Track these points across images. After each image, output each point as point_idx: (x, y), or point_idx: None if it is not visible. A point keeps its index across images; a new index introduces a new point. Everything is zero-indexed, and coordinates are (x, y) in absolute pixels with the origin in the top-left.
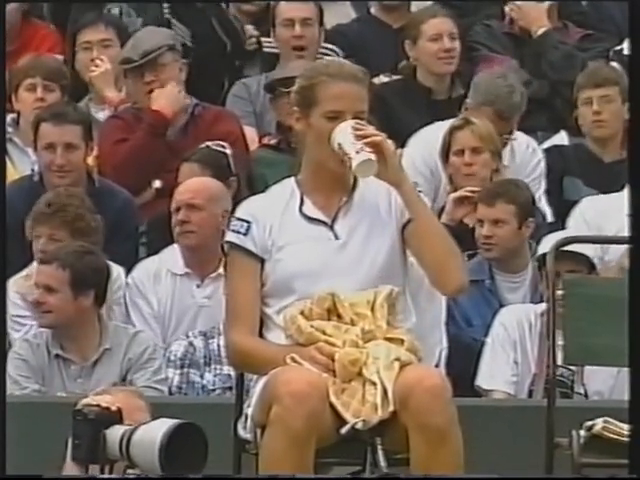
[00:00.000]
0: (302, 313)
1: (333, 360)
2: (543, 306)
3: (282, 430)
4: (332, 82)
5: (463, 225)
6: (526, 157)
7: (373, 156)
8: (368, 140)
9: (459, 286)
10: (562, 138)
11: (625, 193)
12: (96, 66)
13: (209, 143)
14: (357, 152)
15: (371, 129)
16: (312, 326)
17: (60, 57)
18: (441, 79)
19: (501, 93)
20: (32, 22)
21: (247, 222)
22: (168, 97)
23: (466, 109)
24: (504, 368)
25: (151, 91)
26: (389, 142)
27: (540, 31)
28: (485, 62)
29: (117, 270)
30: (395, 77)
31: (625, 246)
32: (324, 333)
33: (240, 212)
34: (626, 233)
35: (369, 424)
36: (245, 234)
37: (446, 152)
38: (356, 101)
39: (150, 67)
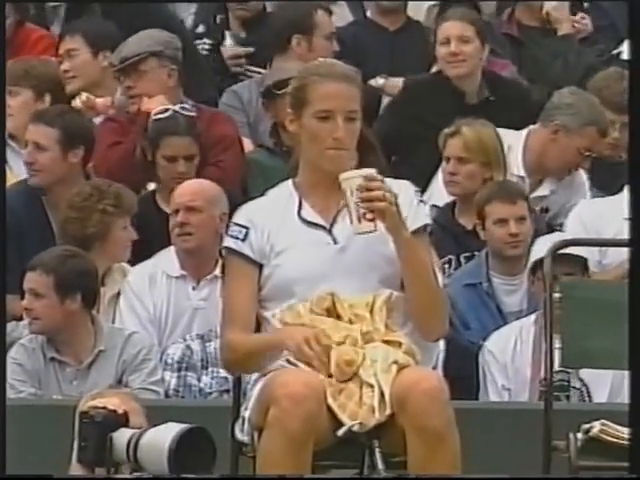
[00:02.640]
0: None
1: (328, 356)
2: (533, 316)
3: (279, 432)
4: (322, 82)
5: (460, 227)
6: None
7: (373, 226)
8: (372, 207)
9: (438, 337)
10: None
11: (622, 196)
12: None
13: None
14: (358, 219)
15: (378, 187)
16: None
17: (55, 59)
18: (470, 81)
19: (601, 111)
20: (25, 27)
21: (245, 228)
22: (158, 100)
23: (556, 131)
24: (493, 398)
25: (132, 97)
26: (392, 197)
27: (566, 30)
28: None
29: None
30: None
31: (625, 251)
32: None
33: (238, 217)
34: (624, 236)
35: (366, 427)
36: (243, 240)
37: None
38: (346, 100)
39: (129, 73)
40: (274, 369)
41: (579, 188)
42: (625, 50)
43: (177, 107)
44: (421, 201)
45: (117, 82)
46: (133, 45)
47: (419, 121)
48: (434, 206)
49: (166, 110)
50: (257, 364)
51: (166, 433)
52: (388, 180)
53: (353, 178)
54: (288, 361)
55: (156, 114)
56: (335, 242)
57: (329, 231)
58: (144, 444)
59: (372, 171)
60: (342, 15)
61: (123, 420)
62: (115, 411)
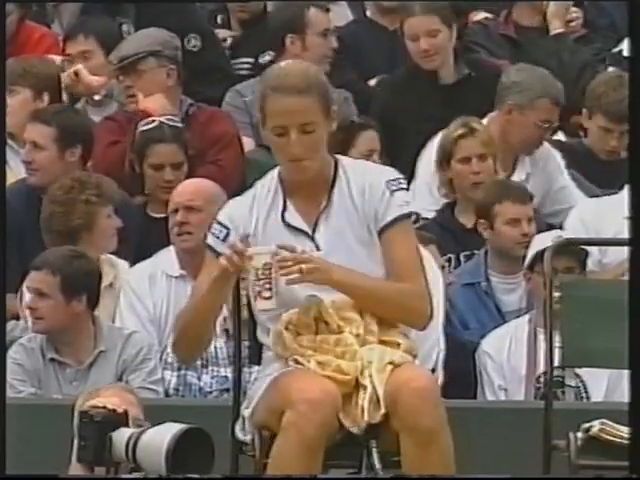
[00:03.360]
0: (287, 327)
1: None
2: (527, 315)
3: (295, 437)
4: (274, 96)
5: (460, 225)
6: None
7: (270, 304)
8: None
9: (423, 325)
10: (559, 138)
11: (622, 195)
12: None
13: None
14: (255, 297)
15: (286, 263)
16: (300, 345)
17: (58, 58)
18: (445, 66)
19: (552, 81)
20: (27, 24)
21: (226, 228)
22: (155, 98)
23: (510, 111)
24: (489, 398)
25: (131, 96)
26: (312, 258)
27: (559, 29)
28: (484, 68)
29: (123, 264)
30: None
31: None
32: (314, 351)
33: (222, 216)
34: (625, 235)
35: (360, 428)
36: (223, 240)
37: (447, 159)
38: (299, 114)
39: (128, 72)
40: (282, 370)
41: (555, 169)
42: (625, 48)
43: (163, 118)
44: (397, 190)
45: (116, 81)
46: (132, 44)
47: (400, 117)
48: (419, 218)
49: (152, 121)
50: (205, 321)
51: (164, 433)
52: (362, 165)
53: (260, 255)
54: (296, 361)
55: (142, 126)
56: (317, 249)
57: (312, 237)
58: (143, 444)
59: (275, 250)
60: (342, 14)
61: (123, 419)
62: (115, 410)
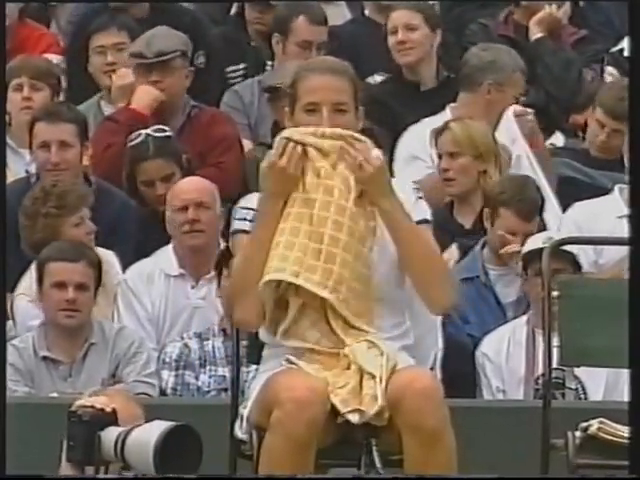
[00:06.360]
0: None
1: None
2: (525, 317)
3: (282, 435)
4: (309, 76)
5: (458, 226)
6: None
7: None
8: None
9: (444, 307)
10: (557, 139)
11: (614, 196)
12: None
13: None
14: None
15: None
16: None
17: (57, 57)
18: (424, 69)
19: (515, 54)
20: (27, 23)
21: (253, 210)
22: (145, 95)
23: (489, 91)
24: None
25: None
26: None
27: (537, 36)
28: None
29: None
30: (387, 75)
31: (622, 250)
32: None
33: (244, 202)
34: (618, 234)
35: (367, 415)
36: (252, 221)
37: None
38: (333, 92)
39: (159, 68)
40: (275, 369)
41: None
42: (626, 47)
43: (150, 130)
44: (420, 197)
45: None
46: (167, 40)
47: (385, 116)
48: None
49: (139, 135)
50: (259, 256)
51: (152, 431)
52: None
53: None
54: (288, 361)
55: (130, 141)
56: None
57: None
58: (131, 442)
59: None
60: (340, 13)
61: (112, 418)
62: (103, 409)
